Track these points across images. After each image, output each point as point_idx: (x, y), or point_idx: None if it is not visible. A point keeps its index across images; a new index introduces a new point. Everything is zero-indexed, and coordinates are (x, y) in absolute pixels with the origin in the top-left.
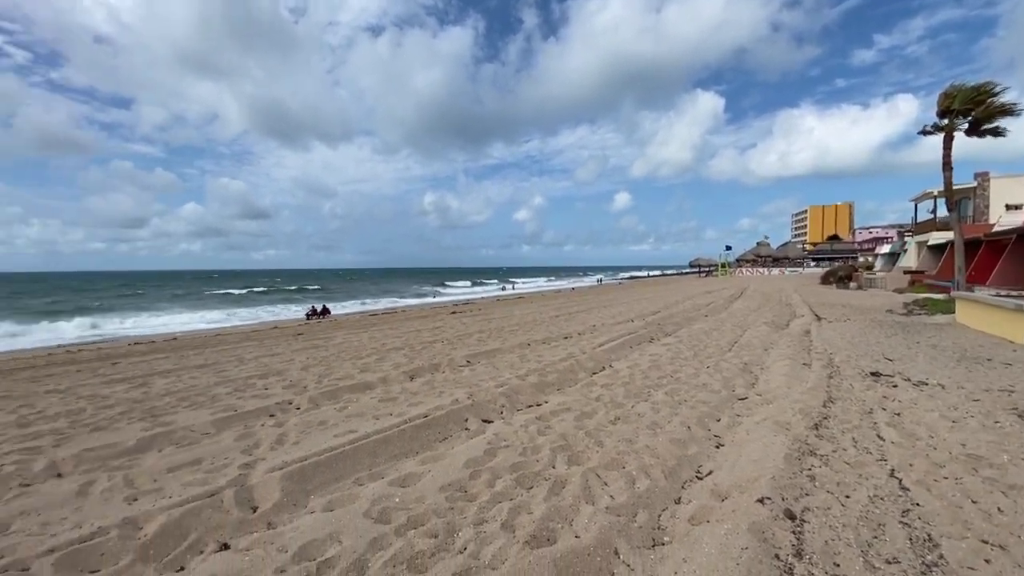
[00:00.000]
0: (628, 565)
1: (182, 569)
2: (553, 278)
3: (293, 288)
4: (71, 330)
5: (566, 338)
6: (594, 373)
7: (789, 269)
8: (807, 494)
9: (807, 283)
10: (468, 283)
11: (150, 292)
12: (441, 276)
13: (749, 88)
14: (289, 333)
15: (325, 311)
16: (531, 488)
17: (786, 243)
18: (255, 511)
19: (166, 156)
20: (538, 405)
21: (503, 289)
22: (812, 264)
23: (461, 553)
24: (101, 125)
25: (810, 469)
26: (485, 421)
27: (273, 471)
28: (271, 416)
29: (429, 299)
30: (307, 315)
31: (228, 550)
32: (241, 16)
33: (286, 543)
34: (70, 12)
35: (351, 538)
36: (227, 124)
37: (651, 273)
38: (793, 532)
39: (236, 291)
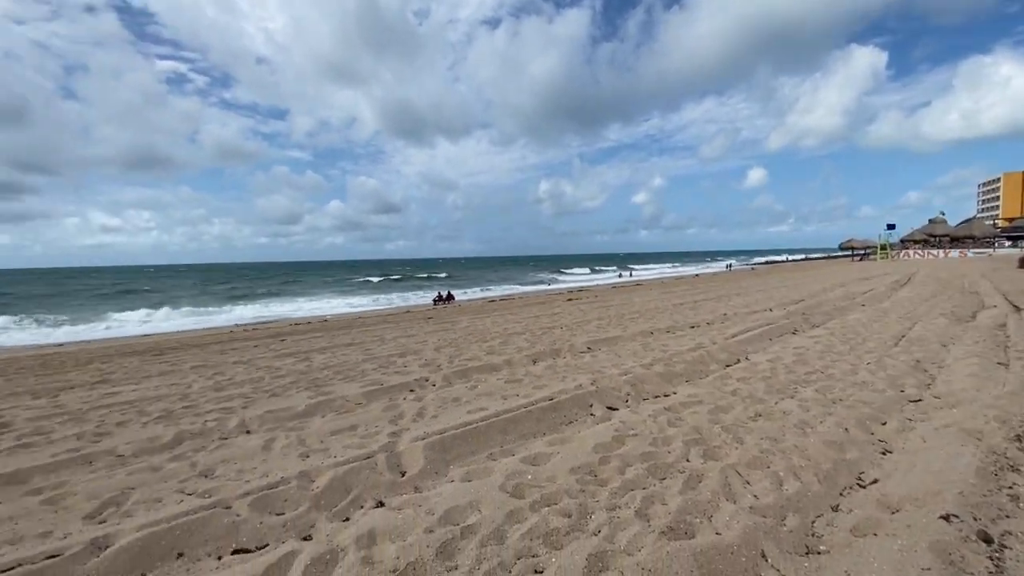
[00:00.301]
0: (777, 570)
1: (347, 519)
2: (677, 264)
3: (423, 276)
4: (247, 312)
5: (693, 327)
6: (727, 365)
7: (974, 250)
8: (1008, 516)
9: (1000, 267)
10: (586, 270)
11: (305, 280)
12: (556, 263)
13: (921, 36)
14: (420, 317)
15: (450, 297)
16: (664, 479)
17: (970, 219)
18: (403, 475)
19: (314, 159)
20: (665, 396)
21: (619, 276)
22: (1007, 244)
23: (595, 535)
24: (263, 136)
25: (1011, 487)
26: (610, 408)
27: (417, 441)
28: (411, 391)
29: (544, 286)
30: (434, 301)
31: (383, 507)
32: (374, 24)
33: (432, 507)
34: (237, 38)
35: (489, 508)
36: (363, 127)
37: (791, 257)
38: (990, 558)
39: (374, 279)
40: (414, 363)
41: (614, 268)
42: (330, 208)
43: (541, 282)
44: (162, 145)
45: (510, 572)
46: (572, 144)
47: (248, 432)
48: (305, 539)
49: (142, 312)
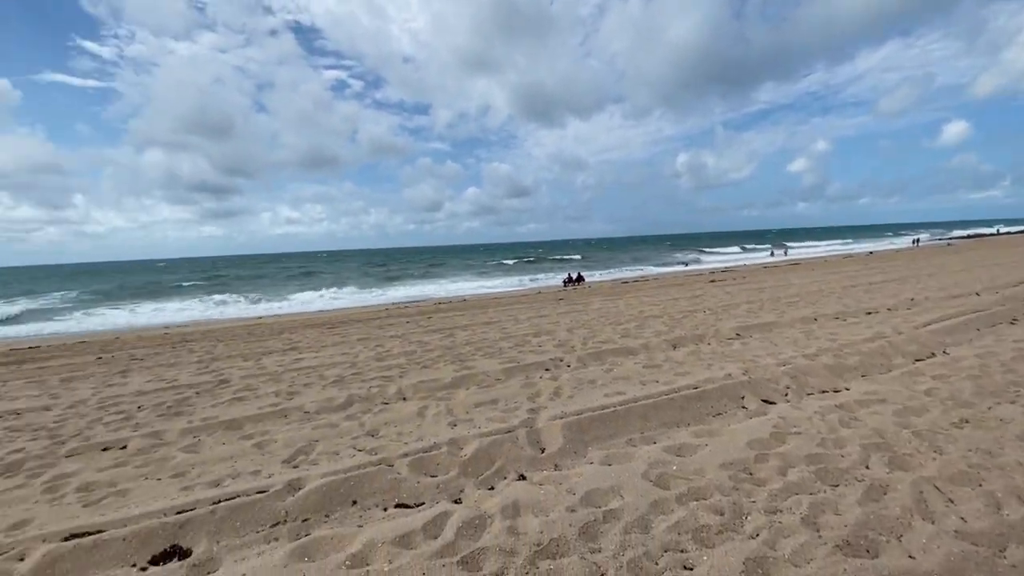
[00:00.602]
0: None
1: (492, 488)
2: (847, 240)
3: (556, 258)
4: (399, 291)
5: (869, 314)
6: (918, 360)
7: None
8: None
9: None
10: (735, 248)
11: (447, 262)
12: (697, 242)
13: None
14: (551, 298)
15: (580, 278)
16: (836, 486)
17: None
18: (543, 452)
19: (452, 149)
20: (835, 391)
21: (772, 255)
22: None
23: (753, 539)
24: (409, 131)
25: None
26: (766, 402)
27: (555, 419)
28: (546, 370)
29: (681, 267)
30: (564, 282)
31: (525, 481)
32: (508, 9)
33: (573, 486)
34: (386, 42)
35: (632, 495)
36: (496, 114)
37: (1006, 230)
38: None
39: (508, 261)
40: (548, 343)
41: (766, 246)
42: (467, 195)
43: (680, 262)
44: (329, 146)
45: (656, 563)
46: (714, 111)
47: (405, 399)
48: (456, 502)
49: (316, 292)
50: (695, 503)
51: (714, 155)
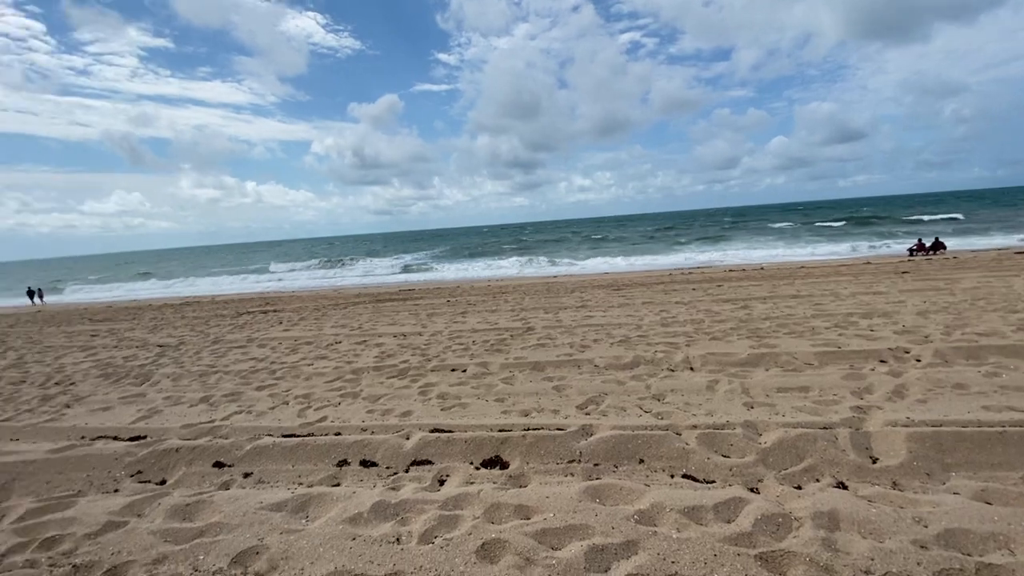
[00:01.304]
0: None
1: (799, 488)
2: None
3: (908, 219)
4: (683, 257)
5: None
6: None
7: None
8: None
9: None
10: None
11: (741, 225)
12: None
13: None
14: (887, 270)
15: (939, 245)
16: None
17: None
18: (874, 462)
19: (756, 95)
20: None
21: None
22: None
23: None
24: (705, 81)
25: None
26: None
27: (895, 426)
28: (882, 362)
29: None
30: (910, 251)
31: (846, 491)
32: None
33: (923, 516)
34: None
35: None
36: (819, 42)
37: None
38: None
39: (823, 223)
40: (885, 328)
41: None
42: (771, 146)
43: None
44: (621, 110)
45: None
46: None
47: (692, 369)
48: (752, 490)
49: (603, 255)
50: None
51: None
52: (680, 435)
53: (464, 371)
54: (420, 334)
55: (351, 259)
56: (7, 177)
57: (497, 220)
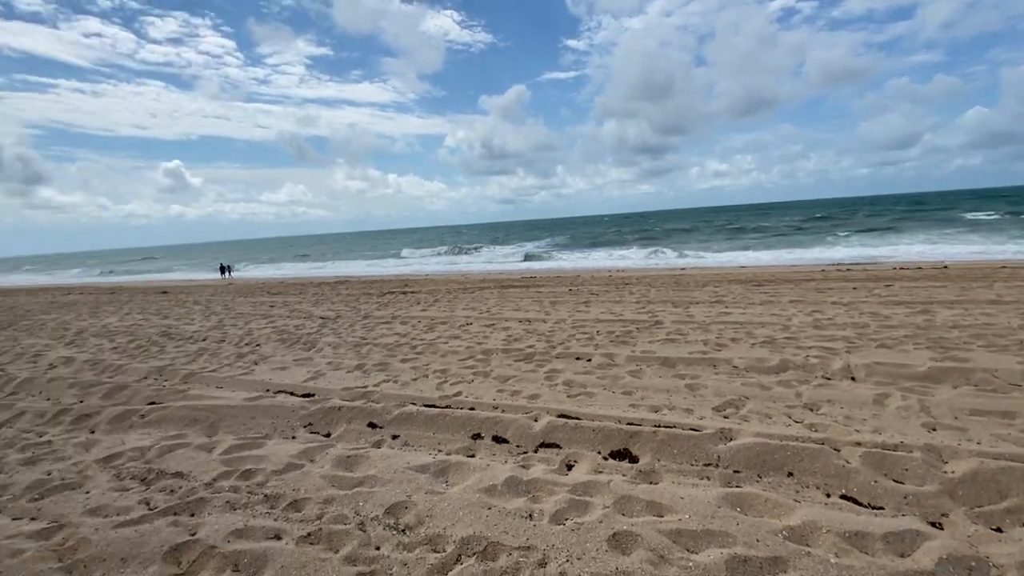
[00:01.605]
0: None
1: (999, 530)
2: None
3: None
4: (840, 251)
5: None
6: None
7: None
8: None
9: None
10: None
11: (917, 215)
12: None
13: None
14: None
15: None
16: None
17: None
18: None
19: (947, 58)
20: None
21: None
22: None
23: None
24: (878, 47)
25: None
26: None
27: None
28: None
29: None
30: None
31: None
32: None
33: None
34: None
35: None
36: None
37: None
38: None
39: None
40: None
41: None
42: (965, 120)
43: None
44: (767, 86)
45: None
46: None
47: (853, 379)
48: (934, 525)
49: (740, 247)
50: None
51: None
52: (839, 451)
53: (589, 360)
54: (544, 321)
55: (475, 247)
56: (208, 172)
57: (619, 209)
